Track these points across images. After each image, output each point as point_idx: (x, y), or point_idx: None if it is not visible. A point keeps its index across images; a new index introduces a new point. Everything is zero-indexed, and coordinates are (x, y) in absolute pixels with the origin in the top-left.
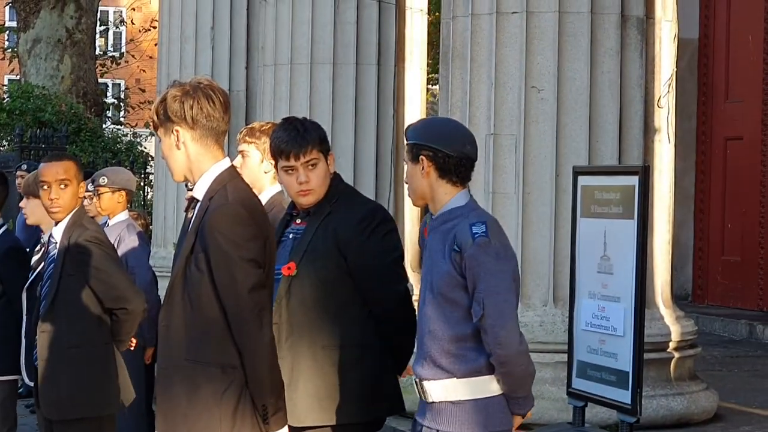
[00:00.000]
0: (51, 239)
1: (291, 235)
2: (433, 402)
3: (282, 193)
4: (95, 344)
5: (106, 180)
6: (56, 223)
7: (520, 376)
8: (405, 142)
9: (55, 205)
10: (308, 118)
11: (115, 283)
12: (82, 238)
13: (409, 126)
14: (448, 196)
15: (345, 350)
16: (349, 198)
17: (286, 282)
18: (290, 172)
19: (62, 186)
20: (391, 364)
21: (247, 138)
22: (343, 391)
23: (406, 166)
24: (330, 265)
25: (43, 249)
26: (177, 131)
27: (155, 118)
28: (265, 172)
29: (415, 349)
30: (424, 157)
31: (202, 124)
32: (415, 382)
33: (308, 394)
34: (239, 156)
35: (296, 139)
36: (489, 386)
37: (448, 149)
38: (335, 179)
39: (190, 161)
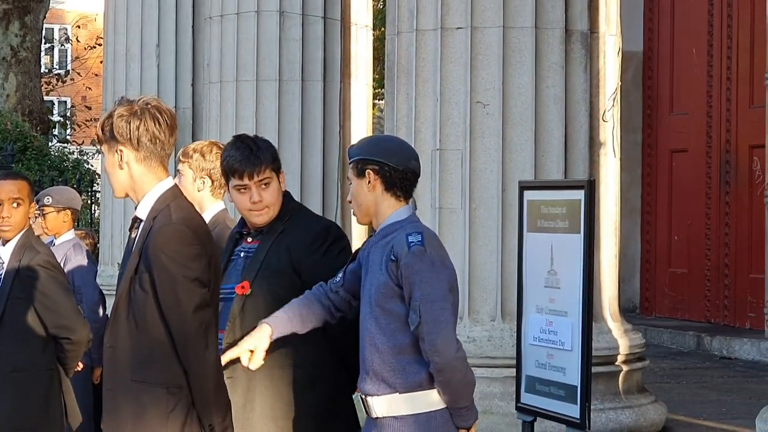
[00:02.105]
0: None
1: (242, 254)
2: (377, 417)
3: (225, 210)
4: (40, 368)
5: (50, 199)
6: (4, 243)
7: (459, 384)
8: (348, 161)
9: (6, 224)
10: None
11: (61, 312)
12: (33, 261)
13: (351, 145)
14: (390, 210)
15: (300, 370)
16: (302, 216)
17: (240, 301)
18: (243, 191)
19: (15, 205)
20: (347, 383)
21: (180, 158)
22: (299, 411)
23: (350, 185)
24: (284, 284)
25: None
26: (121, 151)
27: (100, 133)
28: (199, 191)
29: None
30: (370, 171)
31: (147, 146)
32: (360, 398)
33: (264, 415)
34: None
35: (249, 158)
36: (431, 400)
37: (394, 162)
38: (286, 197)
39: (133, 181)
